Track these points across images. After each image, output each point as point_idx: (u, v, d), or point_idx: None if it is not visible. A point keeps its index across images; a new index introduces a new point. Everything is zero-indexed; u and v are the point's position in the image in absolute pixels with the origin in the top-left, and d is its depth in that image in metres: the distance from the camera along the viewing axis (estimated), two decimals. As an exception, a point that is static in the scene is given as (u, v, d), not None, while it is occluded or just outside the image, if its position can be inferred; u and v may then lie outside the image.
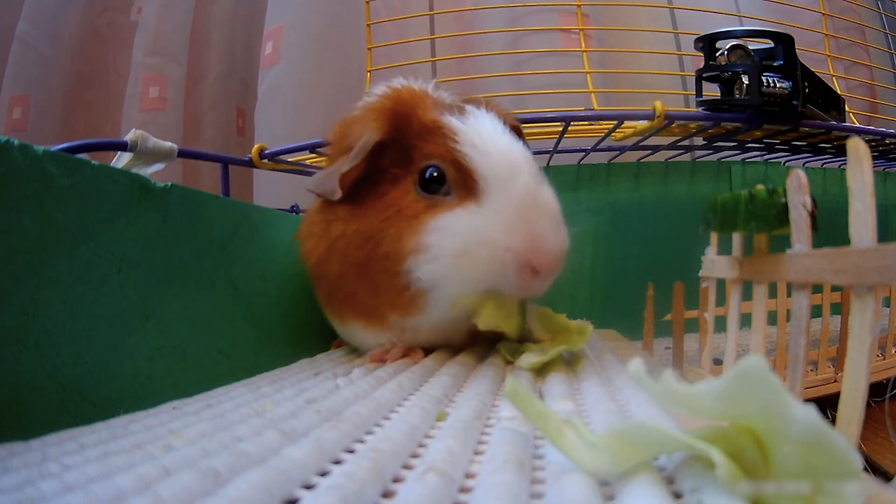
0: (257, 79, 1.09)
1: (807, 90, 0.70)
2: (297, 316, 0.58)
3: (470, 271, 0.40)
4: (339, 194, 0.42)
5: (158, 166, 0.63)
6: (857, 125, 0.95)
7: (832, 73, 1.03)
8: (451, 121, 0.42)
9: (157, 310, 0.41)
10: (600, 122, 0.75)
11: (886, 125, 1.09)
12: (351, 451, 0.24)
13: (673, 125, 0.74)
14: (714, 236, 0.48)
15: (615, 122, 0.73)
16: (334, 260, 0.45)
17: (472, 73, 0.98)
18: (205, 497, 0.18)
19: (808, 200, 0.34)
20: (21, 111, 1.23)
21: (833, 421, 0.28)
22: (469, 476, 0.22)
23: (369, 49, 0.89)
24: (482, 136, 0.41)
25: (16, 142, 0.32)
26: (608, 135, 0.77)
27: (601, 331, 0.65)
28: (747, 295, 0.42)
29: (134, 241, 0.39)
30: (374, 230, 0.42)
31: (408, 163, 0.43)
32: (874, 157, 0.84)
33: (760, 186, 0.37)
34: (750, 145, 0.88)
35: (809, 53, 0.96)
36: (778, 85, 0.67)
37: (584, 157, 0.90)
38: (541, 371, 0.41)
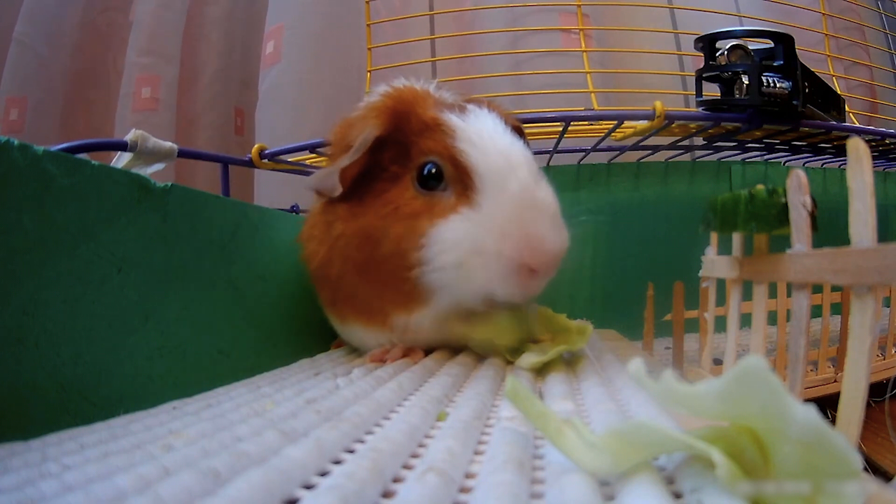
0: (257, 79, 1.09)
1: (807, 90, 0.70)
2: (297, 316, 0.58)
3: (467, 281, 0.40)
4: (339, 190, 0.42)
5: (158, 166, 0.63)
6: (857, 125, 0.95)
7: (832, 73, 1.03)
8: (451, 118, 0.42)
9: (157, 310, 0.41)
10: (600, 122, 0.75)
11: (886, 125, 1.09)
12: (351, 451, 0.24)
13: (673, 125, 0.74)
14: (714, 236, 0.48)
15: (615, 122, 0.73)
16: (335, 261, 0.45)
17: (473, 73, 0.98)
18: (205, 497, 0.18)
19: (808, 200, 0.34)
20: (18, 112, 1.23)
21: (833, 421, 0.28)
22: (469, 476, 0.22)
23: (369, 49, 0.89)
24: (481, 134, 0.41)
25: (16, 142, 0.32)
26: (608, 135, 0.77)
27: (601, 331, 0.65)
28: (747, 295, 0.42)
29: (134, 241, 0.39)
30: (374, 229, 0.42)
31: (407, 160, 0.43)
32: (874, 157, 0.84)
33: (760, 186, 0.37)
34: (750, 145, 0.88)
35: (809, 53, 0.96)
36: (778, 85, 0.67)
37: (584, 157, 0.90)
38: (541, 371, 0.41)
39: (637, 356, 0.25)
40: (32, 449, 0.26)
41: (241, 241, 0.51)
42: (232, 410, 0.31)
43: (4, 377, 0.31)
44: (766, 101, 0.67)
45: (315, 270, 0.49)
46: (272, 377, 0.44)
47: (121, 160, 0.60)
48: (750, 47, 0.69)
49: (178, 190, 0.43)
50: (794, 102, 0.68)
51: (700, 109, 0.76)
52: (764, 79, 0.67)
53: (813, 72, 0.73)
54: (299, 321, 0.58)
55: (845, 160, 0.29)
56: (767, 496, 0.16)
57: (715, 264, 0.47)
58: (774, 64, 0.68)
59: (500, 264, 0.39)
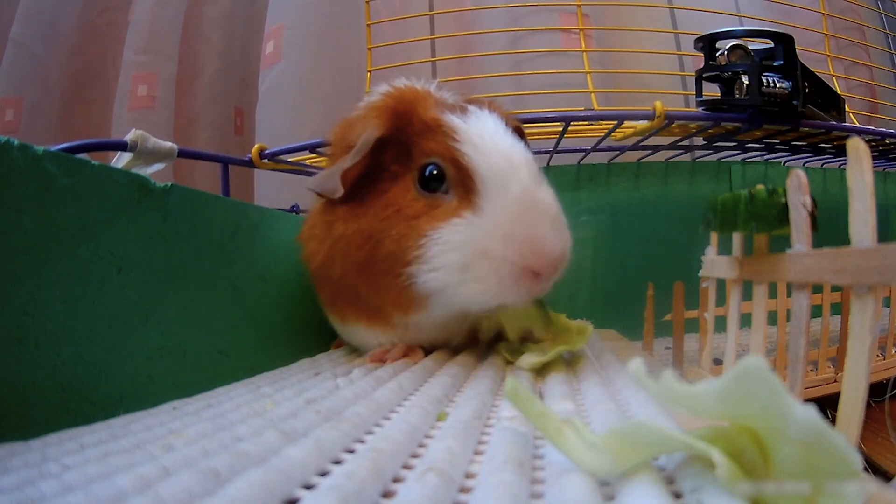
0: (257, 78, 1.09)
1: (807, 90, 0.70)
2: (297, 316, 0.58)
3: (470, 285, 0.40)
4: (340, 192, 0.42)
5: (158, 166, 0.63)
6: (857, 125, 0.95)
7: (832, 73, 1.03)
8: (452, 119, 0.42)
9: (157, 310, 0.41)
10: (600, 122, 0.75)
11: (886, 125, 1.09)
12: (351, 451, 0.24)
13: (673, 125, 0.74)
14: (714, 236, 0.48)
15: (615, 122, 0.73)
16: (336, 261, 0.45)
17: (473, 73, 0.98)
18: (205, 497, 0.18)
19: (808, 200, 0.34)
20: (13, 113, 1.23)
21: (833, 421, 0.28)
22: (469, 476, 0.22)
23: (369, 49, 0.89)
24: (482, 136, 0.41)
25: (16, 142, 0.32)
26: (608, 135, 0.77)
27: (601, 331, 0.65)
28: (747, 295, 0.42)
29: (134, 241, 0.39)
30: (374, 230, 0.42)
31: (408, 160, 0.43)
32: (874, 157, 0.84)
33: (760, 186, 0.37)
34: (750, 145, 0.88)
35: (809, 53, 0.96)
36: (778, 85, 0.67)
37: (584, 157, 0.90)
38: (541, 371, 0.41)
39: (637, 356, 0.25)
40: (32, 449, 0.26)
41: (241, 241, 0.51)
42: (232, 410, 0.31)
43: (4, 377, 0.31)
44: (766, 101, 0.67)
45: (315, 271, 0.48)
46: (272, 377, 0.44)
47: (121, 160, 0.60)
48: (750, 47, 0.69)
49: (178, 190, 0.43)
50: (794, 102, 0.68)
51: (700, 109, 0.76)
52: (764, 79, 0.67)
53: (813, 72, 0.73)
54: (299, 321, 0.58)
55: (845, 160, 0.29)
56: (767, 496, 0.16)
57: (715, 264, 0.47)
58: (774, 64, 0.68)
59: (504, 269, 0.39)
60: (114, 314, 0.37)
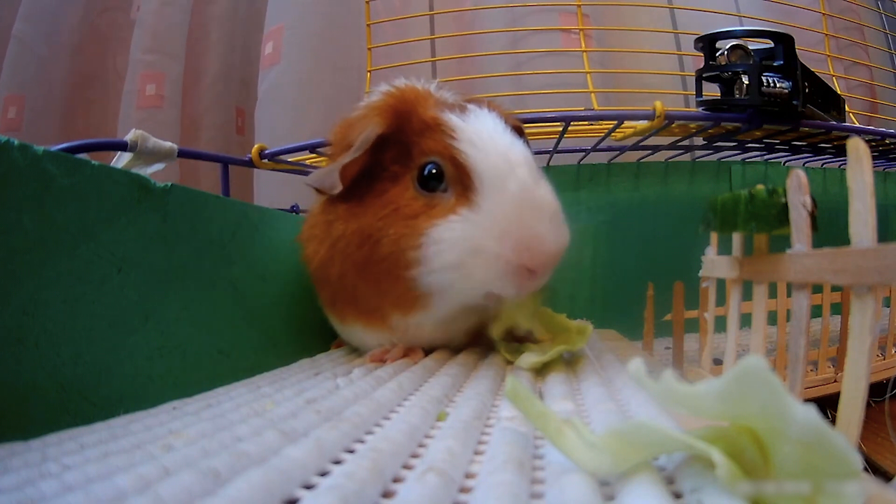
0: (257, 79, 1.09)
1: (807, 90, 0.70)
2: (297, 316, 0.58)
3: (466, 281, 0.40)
4: (339, 188, 0.42)
5: (158, 166, 0.63)
6: (857, 125, 0.95)
7: (832, 73, 1.03)
8: (452, 118, 0.42)
9: (157, 310, 0.41)
10: (600, 122, 0.75)
11: (886, 125, 1.09)
12: (351, 451, 0.24)
13: (673, 125, 0.74)
14: (714, 236, 0.48)
15: (615, 122, 0.73)
16: (335, 261, 0.45)
17: (473, 73, 0.98)
18: (205, 497, 0.18)
19: (808, 200, 0.34)
20: (16, 111, 1.23)
21: (833, 421, 0.28)
22: (469, 476, 0.22)
23: (369, 49, 0.89)
24: (481, 135, 0.41)
25: (16, 142, 0.32)
26: (608, 135, 0.77)
27: (601, 331, 0.65)
28: (747, 295, 0.42)
29: (134, 241, 0.39)
30: (373, 229, 0.42)
31: (408, 160, 0.43)
32: (874, 157, 0.84)
33: (760, 186, 0.37)
34: (750, 145, 0.88)
35: (809, 53, 0.96)
36: (778, 85, 0.67)
37: (584, 157, 0.90)
38: (541, 371, 0.41)
39: (637, 356, 0.25)
40: (32, 449, 0.26)
41: (241, 241, 0.51)
42: (232, 410, 0.31)
43: (4, 377, 0.31)
44: (766, 101, 0.67)
45: (315, 270, 0.49)
46: (272, 377, 0.44)
47: (121, 160, 0.60)
48: (750, 47, 0.69)
49: (178, 190, 0.43)
50: (794, 102, 0.68)
51: (700, 109, 0.76)
52: (764, 79, 0.67)
53: (813, 72, 0.73)
54: (299, 321, 0.58)
55: (845, 160, 0.29)
56: (767, 496, 0.16)
57: (715, 264, 0.47)
58: (774, 64, 0.68)
59: (499, 265, 0.39)
60: (114, 314, 0.37)
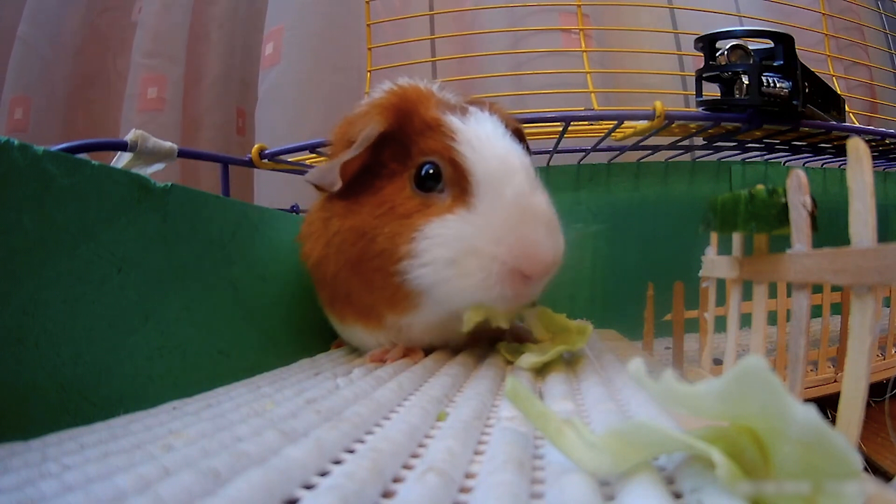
0: (257, 79, 1.09)
1: (807, 90, 0.70)
2: (297, 316, 0.58)
3: (460, 281, 0.40)
4: (338, 185, 0.42)
5: (158, 166, 0.63)
6: (857, 125, 0.95)
7: (832, 73, 1.03)
8: (452, 120, 0.42)
9: (157, 310, 0.41)
10: (600, 122, 0.75)
11: (886, 125, 1.09)
12: (351, 451, 0.24)
13: (673, 125, 0.74)
14: (714, 236, 0.48)
15: (615, 122, 0.73)
16: (331, 258, 0.45)
17: (473, 74, 0.98)
18: (205, 497, 0.18)
19: (808, 200, 0.34)
20: (23, 112, 1.23)
21: (833, 421, 0.28)
22: (469, 476, 0.22)
23: (369, 49, 0.89)
24: (480, 138, 0.41)
25: (16, 142, 0.32)
26: (608, 135, 0.77)
27: (601, 331, 0.65)
28: (747, 295, 0.42)
29: (134, 241, 0.39)
30: (368, 227, 0.42)
31: (406, 159, 0.43)
32: (874, 157, 0.84)
33: (760, 186, 0.37)
34: (750, 145, 0.88)
35: (809, 53, 0.96)
36: (778, 85, 0.67)
37: (584, 157, 0.90)
38: (541, 371, 0.41)
39: (637, 356, 0.25)
40: (32, 449, 0.26)
41: (241, 241, 0.51)
42: (232, 410, 0.31)
43: (4, 377, 0.31)
44: (766, 101, 0.67)
45: (312, 268, 0.49)
46: (272, 377, 0.44)
47: (121, 160, 0.60)
48: (750, 47, 0.69)
49: (178, 190, 0.43)
50: (794, 102, 0.68)
51: (700, 109, 0.76)
52: (764, 79, 0.67)
53: (813, 72, 0.73)
54: (299, 321, 0.58)
55: (845, 160, 0.29)
56: (767, 496, 0.16)
57: (715, 264, 0.47)
58: (774, 64, 0.68)
59: (494, 267, 0.39)
60: (114, 314, 0.37)
